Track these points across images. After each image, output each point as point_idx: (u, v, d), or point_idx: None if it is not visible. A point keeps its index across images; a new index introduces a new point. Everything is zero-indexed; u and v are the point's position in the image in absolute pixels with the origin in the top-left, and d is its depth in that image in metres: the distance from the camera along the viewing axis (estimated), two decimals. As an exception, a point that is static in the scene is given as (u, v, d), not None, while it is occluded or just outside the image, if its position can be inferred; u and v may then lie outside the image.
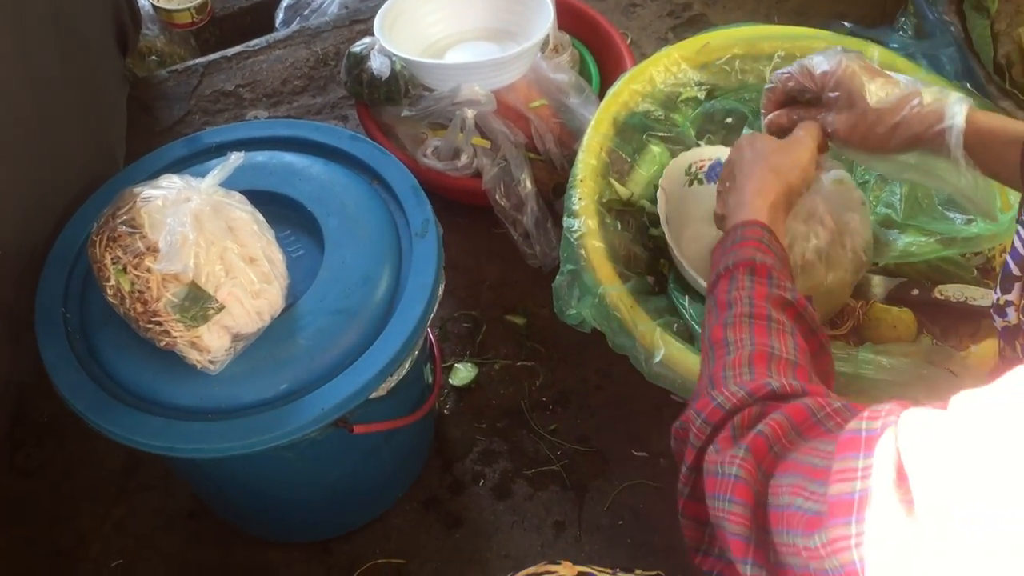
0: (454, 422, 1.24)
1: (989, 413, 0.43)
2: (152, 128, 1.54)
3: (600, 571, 0.67)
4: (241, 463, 0.96)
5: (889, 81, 0.88)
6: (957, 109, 0.84)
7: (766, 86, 0.98)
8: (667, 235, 1.09)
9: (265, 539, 1.15)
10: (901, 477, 0.45)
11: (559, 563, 0.67)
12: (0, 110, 0.96)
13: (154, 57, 1.75)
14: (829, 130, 0.91)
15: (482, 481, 1.20)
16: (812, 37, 1.25)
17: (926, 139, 0.85)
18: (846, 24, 1.28)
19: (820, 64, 0.91)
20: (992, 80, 1.28)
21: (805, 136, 0.92)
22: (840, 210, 1.07)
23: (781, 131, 0.96)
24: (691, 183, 1.17)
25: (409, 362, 0.93)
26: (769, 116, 0.98)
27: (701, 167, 1.18)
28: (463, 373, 1.28)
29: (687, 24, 1.67)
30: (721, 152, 1.19)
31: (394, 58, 1.30)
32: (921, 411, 0.47)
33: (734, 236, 0.83)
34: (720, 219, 0.92)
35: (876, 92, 0.87)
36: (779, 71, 0.97)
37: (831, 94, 0.90)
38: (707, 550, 0.66)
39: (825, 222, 1.05)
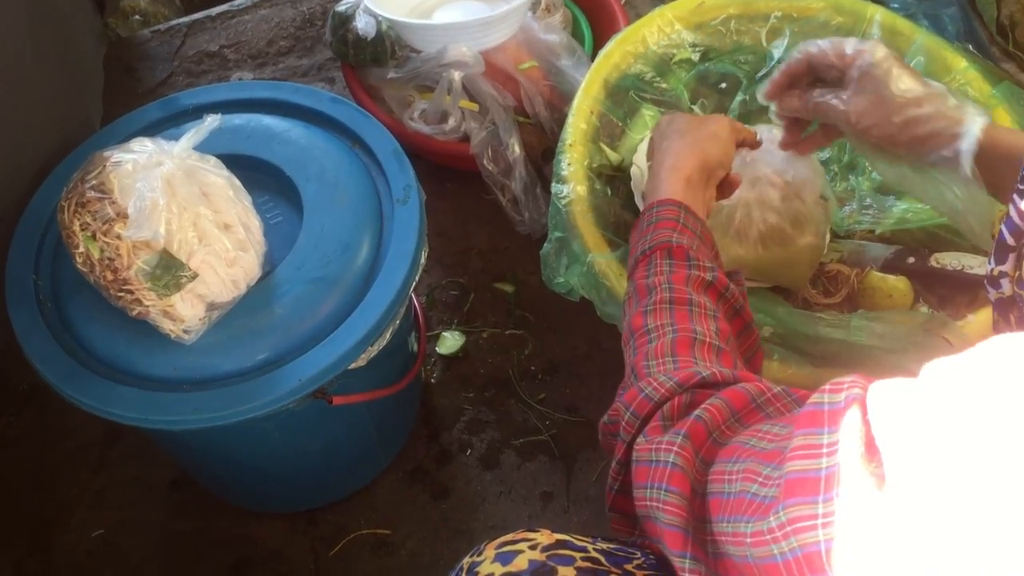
0: (441, 391, 1.22)
1: (964, 382, 0.41)
2: (134, 90, 1.50)
3: (579, 539, 0.65)
4: (220, 434, 0.94)
5: (919, 78, 0.84)
6: (977, 119, 0.80)
7: (787, 60, 0.93)
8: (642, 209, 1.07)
9: (249, 509, 1.14)
10: (871, 451, 0.43)
11: (538, 531, 0.65)
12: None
13: (137, 16, 1.71)
14: (843, 108, 0.87)
15: (469, 451, 1.18)
16: (810, -2, 1.22)
17: (937, 142, 0.82)
18: (845, -18, 1.24)
19: (854, 44, 0.87)
20: (995, 41, 1.25)
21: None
22: (785, 164, 1.04)
23: (793, 112, 0.91)
24: None
25: (390, 332, 0.91)
26: (784, 98, 0.91)
27: None
28: (450, 342, 1.25)
29: (683, -17, 1.63)
30: None
31: (380, 18, 1.26)
32: (891, 382, 0.45)
33: (650, 217, 0.81)
34: (643, 201, 0.90)
35: (904, 82, 0.84)
36: (806, 43, 0.92)
37: (856, 73, 0.86)
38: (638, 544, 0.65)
39: (773, 181, 1.03)
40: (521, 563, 0.62)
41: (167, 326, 0.85)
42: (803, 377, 0.97)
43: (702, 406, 0.60)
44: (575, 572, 0.62)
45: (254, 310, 0.87)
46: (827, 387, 0.48)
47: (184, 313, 0.84)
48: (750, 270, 1.06)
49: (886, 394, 0.44)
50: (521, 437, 1.19)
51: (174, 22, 1.61)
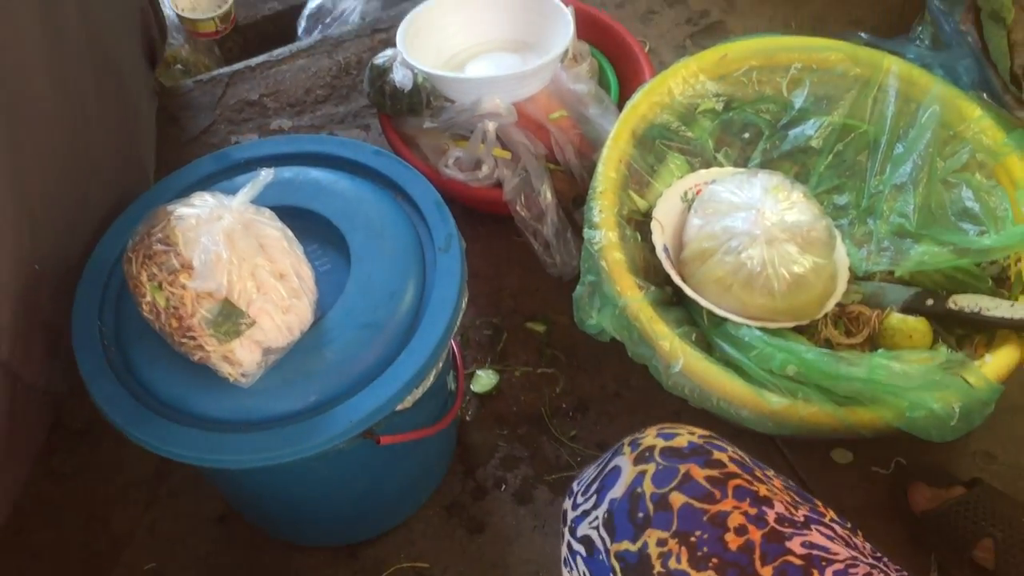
0: (476, 428, 1.27)
1: None
2: (179, 138, 1.57)
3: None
4: (271, 472, 0.99)
5: None
6: None
7: None
8: (664, 264, 1.13)
9: (293, 543, 1.18)
10: None
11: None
12: (39, 129, 0.98)
13: (179, 66, 1.78)
14: None
15: (504, 486, 1.22)
16: (829, 48, 1.27)
17: None
18: (863, 35, 1.29)
19: None
20: (1008, 90, 1.30)
21: None
22: (787, 214, 1.11)
23: None
24: (688, 208, 1.20)
25: (433, 374, 0.96)
26: None
27: (698, 191, 1.20)
28: (485, 380, 1.30)
29: (705, 32, 1.69)
30: (717, 174, 1.22)
31: (416, 71, 1.32)
32: None
33: None
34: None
35: None
36: None
37: None
38: None
39: (788, 236, 1.10)
40: (681, 441, 0.71)
41: (226, 370, 0.90)
42: (825, 415, 1.02)
43: None
44: (728, 458, 0.70)
45: (306, 354, 0.92)
46: None
47: (242, 358, 0.89)
48: (774, 313, 1.11)
49: None
50: (554, 473, 1.23)
51: (216, 72, 1.68)
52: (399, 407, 0.92)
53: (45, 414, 1.06)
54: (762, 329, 1.10)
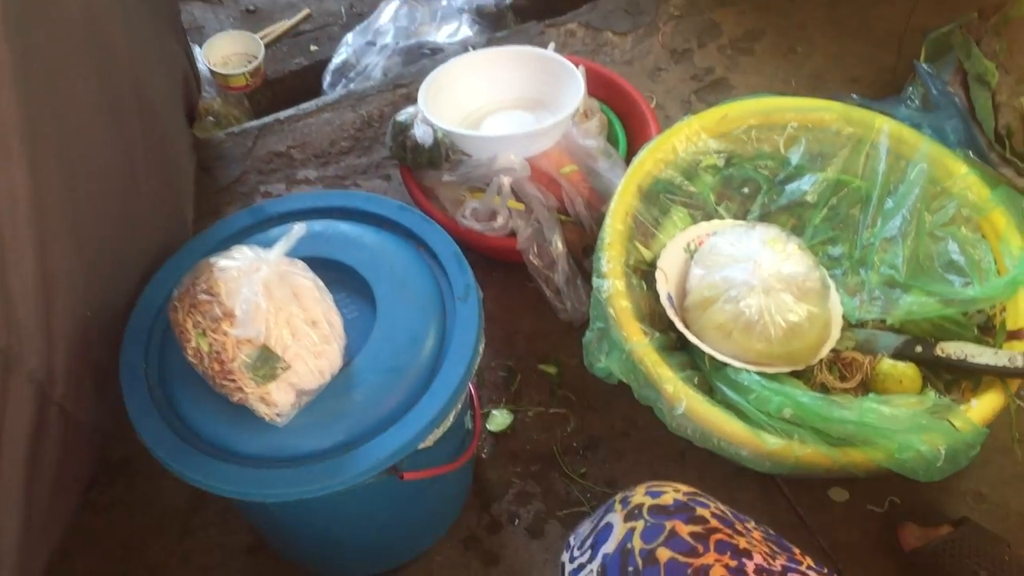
0: (491, 465, 1.34)
1: None
2: (211, 187, 1.66)
3: (708, 496, 0.79)
4: (300, 505, 1.05)
5: None
6: None
7: None
8: (668, 312, 1.20)
9: (318, 573, 1.25)
10: None
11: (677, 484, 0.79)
12: (95, 184, 1.07)
13: (211, 117, 1.88)
14: None
15: (517, 521, 1.29)
16: (823, 109, 1.36)
17: None
18: (855, 96, 1.37)
19: None
20: (993, 148, 1.37)
21: None
22: (783, 265, 1.18)
23: None
24: (691, 258, 1.28)
25: (453, 415, 1.03)
26: None
27: (700, 243, 1.28)
28: (499, 419, 1.37)
29: (709, 87, 1.77)
30: (717, 226, 1.30)
31: (436, 128, 1.41)
32: None
33: None
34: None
35: None
36: None
37: None
38: None
39: (783, 286, 1.17)
40: (667, 499, 0.77)
41: (263, 410, 0.97)
42: (820, 456, 1.08)
43: None
44: (710, 514, 0.76)
45: (336, 396, 1.00)
46: None
47: (278, 399, 0.97)
48: (771, 358, 1.18)
49: None
50: (565, 509, 1.30)
51: (247, 125, 1.77)
52: (421, 445, 0.99)
53: (92, 449, 1.14)
54: (760, 373, 1.17)
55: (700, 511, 0.76)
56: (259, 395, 0.96)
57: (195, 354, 0.97)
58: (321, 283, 1.03)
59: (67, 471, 1.05)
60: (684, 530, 0.74)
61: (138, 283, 1.13)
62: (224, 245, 1.09)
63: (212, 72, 1.89)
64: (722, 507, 0.79)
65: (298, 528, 1.16)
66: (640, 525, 0.75)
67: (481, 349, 1.07)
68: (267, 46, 1.98)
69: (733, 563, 0.72)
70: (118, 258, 1.12)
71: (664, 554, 0.73)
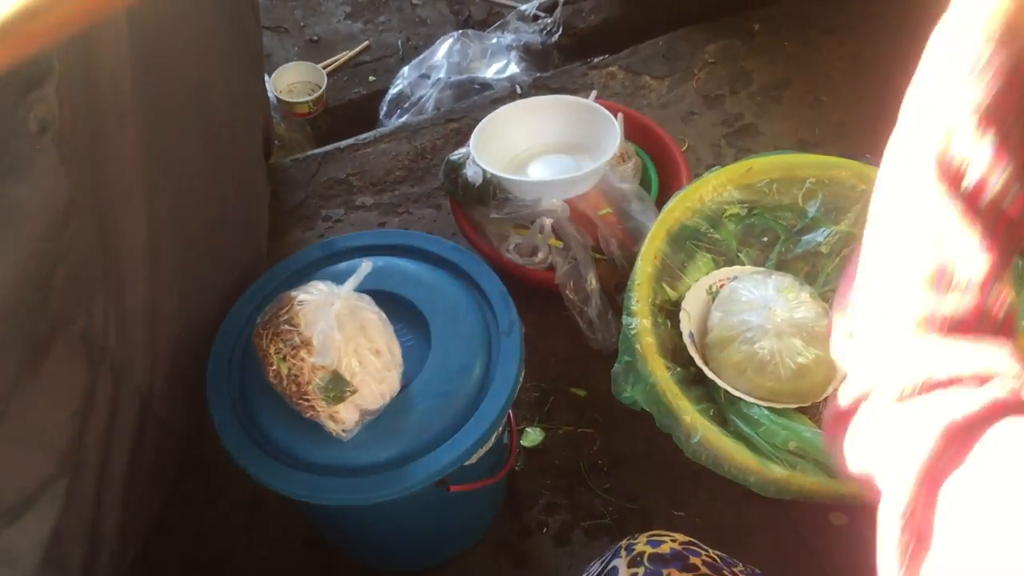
0: (523, 478, 1.48)
1: None
2: (277, 209, 1.81)
3: (702, 545, 0.90)
4: (359, 509, 1.21)
5: None
6: None
7: None
8: (689, 348, 1.33)
9: (368, 566, 1.40)
10: None
11: (675, 533, 0.91)
12: (196, 223, 1.23)
13: (276, 142, 2.04)
14: None
15: (545, 529, 1.43)
16: (840, 167, 1.47)
17: None
18: (868, 157, 1.49)
19: None
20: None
21: None
22: (795, 311, 1.30)
23: None
24: (712, 300, 1.41)
25: (495, 436, 1.17)
26: None
27: (721, 285, 1.42)
28: (532, 436, 1.52)
29: (737, 132, 1.90)
30: (738, 271, 1.43)
31: (485, 171, 1.56)
32: None
33: None
34: None
35: None
36: None
37: None
38: None
39: (794, 330, 1.30)
40: (665, 549, 0.88)
41: (331, 426, 1.12)
42: (820, 486, 1.21)
43: None
44: (701, 561, 0.87)
45: (394, 416, 1.14)
46: None
47: (344, 418, 1.12)
48: (780, 395, 1.32)
49: None
50: (589, 520, 1.44)
51: (310, 153, 1.93)
52: (467, 463, 1.14)
53: (179, 452, 1.30)
54: (770, 409, 1.30)
55: (693, 559, 0.88)
56: (328, 413, 1.11)
57: (275, 376, 1.12)
58: (384, 316, 1.17)
59: (159, 470, 1.21)
60: None
61: (222, 305, 1.28)
62: (297, 276, 1.25)
63: (279, 100, 2.05)
64: (714, 554, 0.91)
65: (354, 528, 1.31)
66: (641, 571, 0.87)
67: (521, 378, 1.21)
68: (328, 75, 2.14)
69: None
70: (207, 284, 1.28)
71: None
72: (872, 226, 0.62)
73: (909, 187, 0.59)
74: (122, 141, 1.00)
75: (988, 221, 0.56)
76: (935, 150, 0.57)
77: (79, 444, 0.99)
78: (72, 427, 0.97)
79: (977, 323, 0.55)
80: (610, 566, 0.91)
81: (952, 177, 0.57)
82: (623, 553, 0.91)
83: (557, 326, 1.63)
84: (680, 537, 0.92)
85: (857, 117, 1.90)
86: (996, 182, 0.55)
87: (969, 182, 0.56)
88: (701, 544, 0.93)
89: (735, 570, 0.91)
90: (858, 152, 1.52)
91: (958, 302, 0.55)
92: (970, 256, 0.56)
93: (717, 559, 0.91)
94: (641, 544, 0.91)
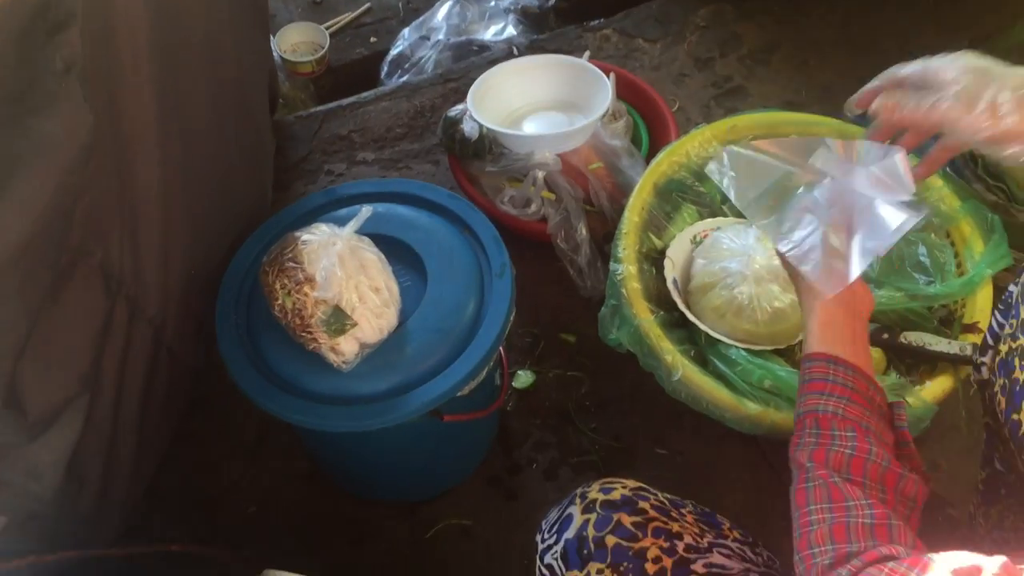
0: (515, 417, 1.56)
1: None
2: (281, 164, 1.88)
3: (652, 489, 0.97)
4: (357, 438, 1.28)
5: None
6: None
7: (880, 77, 1.02)
8: (673, 294, 1.40)
9: (365, 498, 1.48)
10: None
11: (626, 479, 0.98)
12: (203, 162, 1.30)
13: (280, 100, 2.10)
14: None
15: (535, 465, 1.51)
16: (820, 123, 1.54)
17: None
18: (848, 114, 1.55)
19: (951, 70, 0.91)
20: (968, 165, 1.55)
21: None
22: (771, 256, 1.37)
23: (894, 115, 0.98)
24: (695, 248, 1.48)
25: (486, 370, 1.25)
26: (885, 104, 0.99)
27: (704, 235, 1.49)
28: (524, 378, 1.59)
29: (727, 94, 1.96)
30: (720, 223, 1.50)
31: (482, 125, 1.62)
32: None
33: (803, 374, 0.92)
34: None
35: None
36: (895, 67, 0.99)
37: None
38: None
39: (772, 276, 1.36)
40: (616, 495, 0.95)
41: (332, 358, 1.19)
42: (791, 421, 1.28)
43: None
44: (650, 506, 0.94)
45: (392, 350, 1.20)
46: None
47: (345, 350, 1.19)
48: (757, 338, 1.39)
49: None
50: (576, 457, 1.51)
51: (313, 110, 1.99)
52: (459, 393, 1.21)
53: (188, 385, 1.37)
54: (747, 350, 1.37)
55: (642, 504, 0.94)
56: (330, 345, 1.18)
57: (280, 310, 1.19)
58: (383, 256, 1.24)
59: (170, 400, 1.29)
60: (627, 520, 0.92)
61: (230, 247, 1.35)
62: (302, 220, 1.31)
63: (283, 59, 2.11)
64: (663, 498, 0.97)
65: (353, 457, 1.39)
66: (593, 516, 0.94)
67: (512, 318, 1.28)
68: (331, 36, 2.19)
69: (666, 545, 0.91)
70: (216, 226, 1.35)
71: (611, 540, 0.91)
72: None
73: None
74: (137, 86, 1.06)
75: None
76: None
77: (98, 368, 1.06)
78: (92, 351, 1.04)
79: None
80: (566, 513, 0.98)
81: None
82: (578, 500, 0.98)
83: (548, 275, 1.70)
84: (631, 483, 0.98)
85: (843, 79, 1.95)
86: None
87: None
88: (651, 489, 0.99)
89: (683, 511, 0.97)
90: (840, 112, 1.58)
91: None
92: None
93: (666, 502, 0.97)
94: (594, 492, 0.97)
